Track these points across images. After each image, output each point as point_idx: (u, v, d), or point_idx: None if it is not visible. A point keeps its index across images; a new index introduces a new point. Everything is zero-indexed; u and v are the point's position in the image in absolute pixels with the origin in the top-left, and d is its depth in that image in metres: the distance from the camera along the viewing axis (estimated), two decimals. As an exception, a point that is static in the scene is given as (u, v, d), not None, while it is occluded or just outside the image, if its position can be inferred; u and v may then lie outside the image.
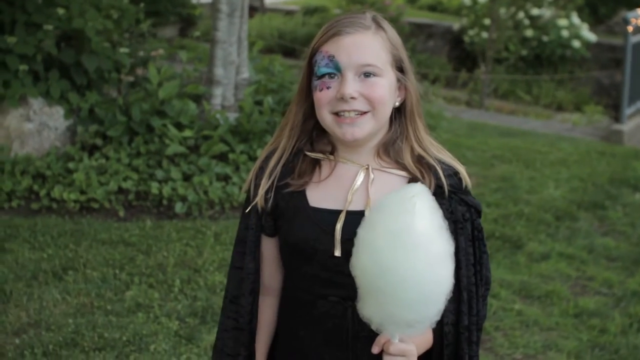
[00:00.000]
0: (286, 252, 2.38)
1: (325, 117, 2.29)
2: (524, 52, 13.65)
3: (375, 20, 2.32)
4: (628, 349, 4.97)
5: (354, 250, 2.16)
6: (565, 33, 13.58)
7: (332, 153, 2.36)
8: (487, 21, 13.65)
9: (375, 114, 2.27)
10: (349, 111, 2.25)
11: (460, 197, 2.34)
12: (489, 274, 2.41)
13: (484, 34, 13.64)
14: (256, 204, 2.35)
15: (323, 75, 2.27)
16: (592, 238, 6.71)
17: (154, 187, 6.67)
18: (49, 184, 6.70)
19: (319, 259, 2.29)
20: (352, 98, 2.24)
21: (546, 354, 4.93)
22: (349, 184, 2.31)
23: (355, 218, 2.24)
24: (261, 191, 2.34)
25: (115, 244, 5.94)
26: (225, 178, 6.98)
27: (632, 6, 15.36)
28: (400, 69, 2.33)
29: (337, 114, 2.27)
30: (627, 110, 10.54)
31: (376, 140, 2.34)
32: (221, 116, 7.36)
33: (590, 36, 13.74)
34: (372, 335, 2.21)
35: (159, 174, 6.82)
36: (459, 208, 2.33)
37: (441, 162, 2.35)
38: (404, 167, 2.33)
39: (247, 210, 2.38)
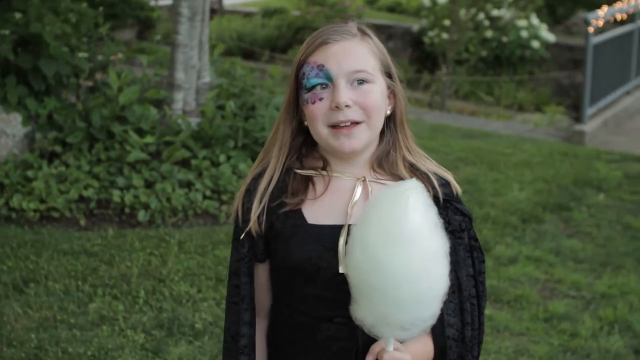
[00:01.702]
0: (284, 274, 2.27)
1: (321, 131, 2.21)
2: (484, 53, 13.67)
3: (359, 28, 2.26)
4: (600, 353, 4.95)
5: (347, 248, 2.09)
6: (524, 34, 13.62)
7: (324, 168, 2.27)
8: (447, 22, 13.65)
9: (370, 123, 2.20)
10: (344, 121, 2.18)
11: (455, 206, 2.28)
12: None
13: (444, 35, 13.63)
14: (250, 229, 2.25)
15: (314, 87, 2.20)
16: (559, 240, 6.70)
17: (116, 195, 6.54)
18: (7, 193, 6.53)
19: (322, 278, 2.19)
20: (347, 106, 2.17)
21: (518, 360, 4.90)
22: (346, 198, 2.23)
23: None
24: (254, 216, 2.24)
25: (77, 254, 5.80)
26: (188, 184, 6.87)
27: (589, 7, 15.45)
28: (388, 75, 2.27)
29: (333, 126, 2.19)
30: (589, 111, 10.57)
31: (369, 152, 2.27)
32: (183, 121, 7.25)
33: (549, 37, 13.80)
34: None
35: (121, 181, 6.69)
36: (455, 218, 2.27)
37: (434, 173, 2.30)
38: (399, 178, 2.25)
39: (241, 237, 2.27)
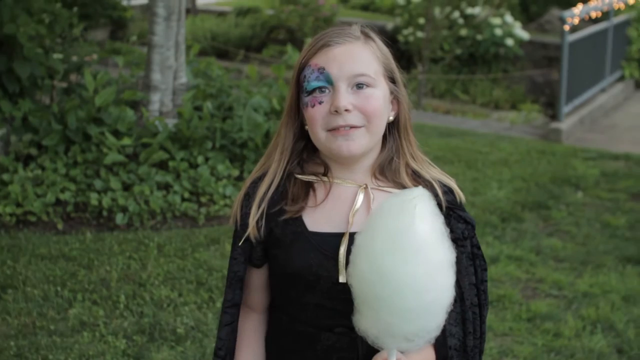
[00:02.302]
0: (284, 282, 2.23)
1: (320, 135, 2.16)
2: (459, 51, 13.67)
3: (363, 31, 2.22)
4: (584, 353, 4.94)
5: (351, 257, 2.05)
6: (498, 32, 13.62)
7: (324, 174, 2.23)
8: (421, 20, 13.63)
9: (370, 128, 2.15)
10: (343, 126, 2.13)
11: (458, 214, 2.23)
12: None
13: (419, 34, 13.61)
14: (248, 235, 2.21)
15: (313, 90, 2.16)
16: (539, 239, 6.70)
17: (93, 197, 6.46)
18: (-17, 197, 6.45)
19: (322, 286, 2.15)
20: (347, 110, 2.12)
21: (502, 361, 4.88)
22: (347, 205, 2.18)
23: None
24: (252, 221, 2.19)
25: (55, 258, 5.72)
26: (166, 187, 6.80)
27: (562, 5, 15.51)
28: (392, 80, 2.22)
29: (331, 130, 2.14)
30: (565, 109, 10.59)
31: (371, 159, 2.23)
32: (160, 123, 7.18)
33: (523, 34, 13.81)
34: None
35: (98, 184, 6.61)
36: (458, 226, 2.22)
37: (438, 181, 2.25)
38: (401, 186, 2.21)
39: (240, 243, 2.23)
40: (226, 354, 2.26)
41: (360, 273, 2.01)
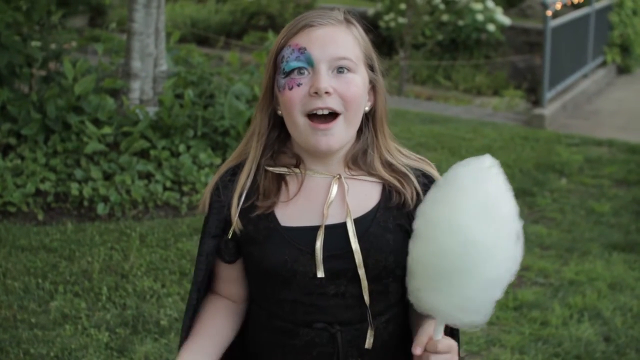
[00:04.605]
0: (259, 278, 2.17)
1: (298, 120, 2.08)
2: (440, 37, 13.61)
3: (345, 16, 2.15)
4: (571, 341, 4.91)
5: (414, 239, 1.99)
6: (480, 17, 13.57)
7: (296, 165, 2.15)
8: (402, 6, 13.56)
9: (348, 116, 2.08)
10: (322, 108, 2.05)
11: None
12: None
13: (400, 19, 13.55)
14: (223, 228, 2.15)
15: (292, 71, 2.07)
16: (524, 226, 6.42)
17: (74, 187, 6.37)
18: (-39, 187, 6.34)
19: (298, 282, 2.09)
20: (327, 93, 2.04)
21: (490, 350, 4.84)
22: (321, 198, 2.12)
23: (333, 232, 2.07)
24: (235, 214, 2.13)
25: (35, 250, 5.64)
26: (148, 176, 6.72)
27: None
28: (371, 68, 2.15)
29: (310, 116, 2.06)
30: (548, 95, 10.56)
31: (345, 150, 2.15)
32: (141, 111, 7.09)
33: (505, 20, 13.77)
34: (362, 357, 2.10)
35: (78, 173, 6.52)
36: None
37: (411, 168, 2.20)
38: (378, 177, 2.16)
39: (211, 234, 2.17)
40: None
41: (443, 248, 1.94)
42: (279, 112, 2.14)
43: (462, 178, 1.97)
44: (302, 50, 2.07)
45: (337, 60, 2.07)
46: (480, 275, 1.94)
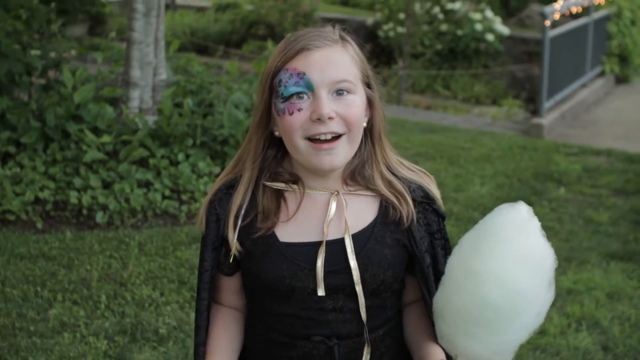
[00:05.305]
0: (257, 293, 2.18)
1: (299, 144, 2.06)
2: (439, 47, 13.64)
3: (340, 33, 2.13)
4: (569, 351, 4.91)
5: (448, 286, 2.05)
6: (479, 27, 13.61)
7: (294, 183, 2.15)
8: (401, 16, 13.59)
9: (351, 136, 2.07)
10: (325, 133, 2.04)
11: (433, 207, 2.20)
12: None
13: (399, 29, 13.58)
14: (222, 242, 2.16)
15: (290, 96, 2.05)
16: None
17: (73, 196, 6.38)
18: (-40, 195, 6.35)
19: (297, 297, 2.10)
20: (330, 118, 2.03)
21: (488, 359, 4.83)
22: (319, 214, 2.12)
23: (331, 248, 2.08)
24: (232, 238, 2.13)
25: (34, 258, 5.64)
26: (147, 184, 6.73)
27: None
28: (368, 85, 2.14)
29: (311, 139, 2.05)
30: (546, 104, 10.58)
31: (344, 166, 2.15)
32: (140, 120, 7.10)
33: (503, 30, 13.80)
34: None
35: (77, 182, 6.53)
36: (433, 219, 2.20)
37: (408, 181, 2.20)
38: (375, 191, 2.16)
39: (210, 249, 2.18)
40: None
41: (487, 299, 1.99)
42: (277, 134, 2.14)
43: (504, 230, 2.04)
44: (300, 75, 2.05)
45: (337, 84, 2.06)
46: (520, 323, 2.01)
